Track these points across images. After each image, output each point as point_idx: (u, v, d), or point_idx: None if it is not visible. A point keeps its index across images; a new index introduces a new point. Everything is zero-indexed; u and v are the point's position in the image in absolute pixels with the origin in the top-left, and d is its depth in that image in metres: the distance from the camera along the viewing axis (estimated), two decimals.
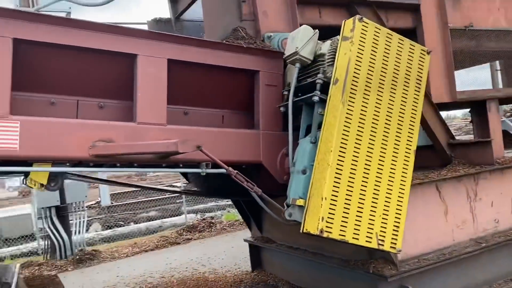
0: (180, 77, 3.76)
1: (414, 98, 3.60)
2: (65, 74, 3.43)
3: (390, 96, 3.48)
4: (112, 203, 17.63)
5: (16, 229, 13.07)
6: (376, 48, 3.44)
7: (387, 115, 3.45)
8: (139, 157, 3.39)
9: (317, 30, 3.70)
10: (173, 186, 16.33)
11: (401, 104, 3.52)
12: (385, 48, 3.49)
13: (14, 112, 3.08)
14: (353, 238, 3.22)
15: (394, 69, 3.52)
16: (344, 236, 3.19)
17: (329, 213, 3.14)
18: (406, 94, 3.56)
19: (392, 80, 3.50)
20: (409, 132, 3.54)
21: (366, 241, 3.27)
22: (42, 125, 3.14)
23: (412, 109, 3.58)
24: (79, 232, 9.92)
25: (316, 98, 3.49)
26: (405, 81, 3.56)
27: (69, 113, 3.55)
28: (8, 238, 13.33)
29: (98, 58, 3.43)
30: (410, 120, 3.56)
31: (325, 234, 3.10)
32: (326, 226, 3.12)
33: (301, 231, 3.21)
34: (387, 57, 3.49)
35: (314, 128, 3.51)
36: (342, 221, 3.18)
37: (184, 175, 5.71)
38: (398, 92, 3.52)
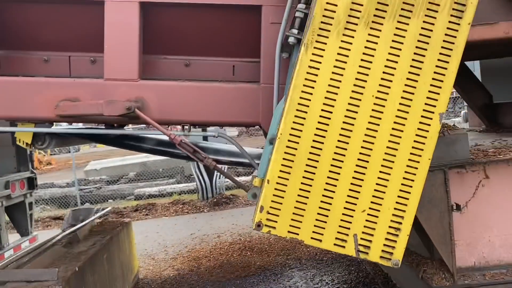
0: (165, 22, 3.23)
1: (450, 25, 2.21)
2: (40, 28, 3.30)
3: (398, 25, 2.22)
4: None
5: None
6: None
7: (389, 56, 2.22)
8: (105, 118, 3.09)
9: None
10: None
11: (420, 36, 2.22)
12: None
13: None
14: (311, 238, 2.28)
15: None
16: (297, 234, 2.27)
17: (272, 201, 2.27)
18: (434, 19, 2.21)
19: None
20: (433, 85, 2.23)
21: (335, 244, 2.27)
22: (10, 85, 3.12)
23: (444, 46, 2.22)
24: (219, 177, 10.48)
25: (291, 40, 2.50)
26: None
27: (63, 70, 3.46)
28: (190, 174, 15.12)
29: (68, 8, 3.17)
30: (437, 65, 2.23)
31: (264, 230, 2.27)
32: (268, 219, 2.27)
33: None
34: None
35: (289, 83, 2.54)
36: (293, 213, 2.27)
37: None
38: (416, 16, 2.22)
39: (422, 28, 2.21)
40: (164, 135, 2.95)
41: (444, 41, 2.21)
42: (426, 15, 2.21)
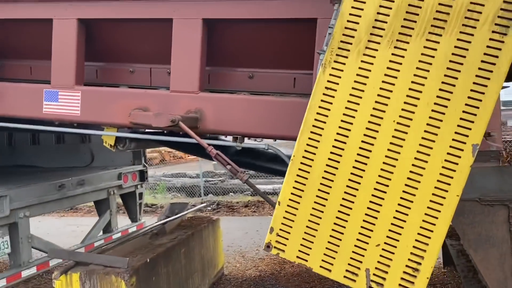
0: (229, 36, 3.37)
1: (492, 42, 1.90)
2: (127, 43, 3.71)
3: (429, 42, 1.99)
4: None
5: None
6: None
7: (414, 78, 2.00)
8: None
9: None
10: None
11: (453, 55, 1.95)
12: None
13: (80, 81, 3.65)
14: (321, 266, 2.18)
15: None
16: (306, 260, 2.20)
17: (283, 223, 2.23)
18: (471, 36, 1.93)
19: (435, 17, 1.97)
20: (466, 112, 1.94)
21: (345, 276, 2.14)
22: (95, 94, 3.59)
23: (482, 67, 1.92)
24: None
25: (321, 57, 2.41)
26: (469, 13, 1.93)
27: (145, 81, 3.85)
28: None
29: (148, 26, 3.52)
30: (473, 90, 1.93)
31: (273, 251, 2.25)
32: (277, 241, 2.25)
33: None
34: None
35: None
36: (303, 238, 2.20)
37: None
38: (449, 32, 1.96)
39: (455, 46, 1.95)
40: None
41: (482, 61, 1.91)
42: (461, 32, 1.94)
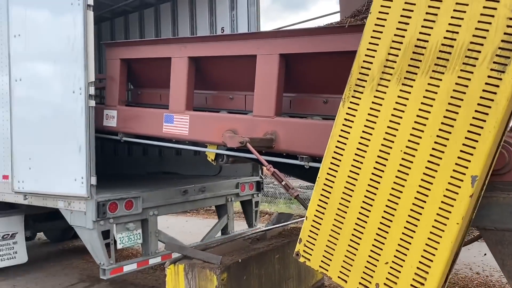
0: (304, 67, 3.80)
1: (490, 80, 1.98)
2: (226, 74, 4.41)
3: (433, 80, 2.15)
4: None
5: None
6: None
7: (419, 112, 2.18)
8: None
9: None
10: None
11: (454, 92, 2.08)
12: None
13: (189, 107, 4.47)
14: (338, 277, 2.46)
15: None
16: (327, 270, 2.50)
17: (309, 236, 2.58)
18: (470, 74, 2.04)
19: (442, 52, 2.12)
20: (465, 145, 2.04)
21: None
22: (199, 118, 4.36)
23: (481, 103, 2.00)
24: None
25: None
26: (469, 52, 2.04)
27: (241, 106, 4.51)
28: None
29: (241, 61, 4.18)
30: (472, 124, 2.03)
31: (301, 259, 2.61)
32: (304, 251, 2.60)
33: None
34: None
35: None
36: (325, 250, 2.51)
37: None
38: (451, 71, 2.10)
39: (456, 83, 2.08)
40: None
41: (481, 97, 2.01)
42: (461, 70, 2.07)
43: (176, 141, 4.80)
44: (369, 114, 2.35)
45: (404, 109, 2.23)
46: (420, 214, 2.18)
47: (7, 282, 6.29)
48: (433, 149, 2.15)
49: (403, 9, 2.23)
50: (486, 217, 2.37)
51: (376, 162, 2.32)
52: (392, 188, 2.27)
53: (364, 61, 2.36)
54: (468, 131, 2.05)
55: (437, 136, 2.13)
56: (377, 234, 2.32)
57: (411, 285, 2.21)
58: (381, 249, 2.31)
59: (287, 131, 3.70)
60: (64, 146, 4.65)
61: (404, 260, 2.23)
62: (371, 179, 2.34)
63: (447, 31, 2.10)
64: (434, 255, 2.14)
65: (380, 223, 2.31)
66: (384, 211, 2.30)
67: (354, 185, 2.40)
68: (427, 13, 2.16)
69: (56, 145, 4.76)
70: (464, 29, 2.05)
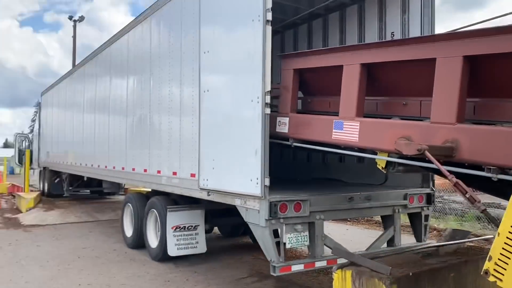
0: (494, 69, 3.48)
1: None
2: (401, 80, 4.27)
3: None
4: None
5: None
6: None
7: None
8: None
9: None
10: None
11: None
12: None
13: (359, 114, 4.47)
14: None
15: None
16: None
17: (501, 253, 2.33)
18: None
19: None
20: None
21: None
22: (370, 125, 4.32)
23: None
24: None
25: None
26: None
27: (416, 112, 4.32)
28: None
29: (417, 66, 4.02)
30: None
31: (491, 279, 2.37)
32: (494, 270, 2.36)
33: None
34: None
35: None
36: None
37: None
38: None
39: None
40: None
41: None
42: None
43: (344, 148, 4.83)
44: None
45: None
46: None
47: (190, 269, 7.14)
48: None
49: None
50: None
51: None
52: None
53: None
54: None
55: None
56: None
57: None
58: None
59: (471, 139, 3.41)
60: (242, 149, 5.10)
61: None
62: None
63: None
64: None
65: None
66: None
67: None
68: None
69: (235, 148, 5.25)
70: None
